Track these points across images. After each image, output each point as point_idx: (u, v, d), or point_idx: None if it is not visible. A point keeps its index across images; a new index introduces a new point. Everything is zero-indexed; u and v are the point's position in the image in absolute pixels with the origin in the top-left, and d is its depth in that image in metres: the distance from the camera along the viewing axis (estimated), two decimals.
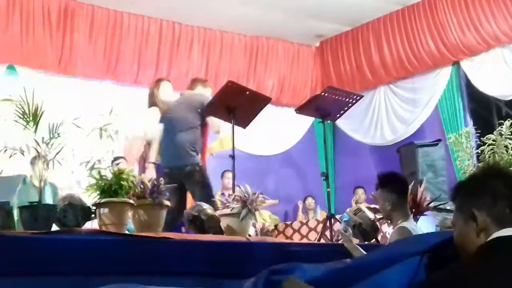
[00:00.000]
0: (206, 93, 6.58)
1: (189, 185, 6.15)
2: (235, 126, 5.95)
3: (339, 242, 3.98)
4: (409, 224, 4.33)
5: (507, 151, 5.71)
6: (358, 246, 4.27)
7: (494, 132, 5.97)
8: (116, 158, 6.86)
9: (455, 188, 2.24)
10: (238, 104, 5.86)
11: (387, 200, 4.48)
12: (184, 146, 6.15)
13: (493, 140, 5.85)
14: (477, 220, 2.06)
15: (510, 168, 4.87)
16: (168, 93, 6.45)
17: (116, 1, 9.65)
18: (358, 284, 2.50)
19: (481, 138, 6.17)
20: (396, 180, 4.54)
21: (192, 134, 6.25)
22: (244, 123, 6.12)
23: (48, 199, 6.49)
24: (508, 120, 5.98)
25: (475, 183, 2.18)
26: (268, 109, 6.55)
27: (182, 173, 6.12)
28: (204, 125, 6.39)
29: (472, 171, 5.26)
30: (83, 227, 3.93)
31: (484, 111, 10.53)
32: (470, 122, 9.83)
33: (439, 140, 9.28)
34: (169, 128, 6.27)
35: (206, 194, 5.96)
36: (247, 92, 6.00)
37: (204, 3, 9.79)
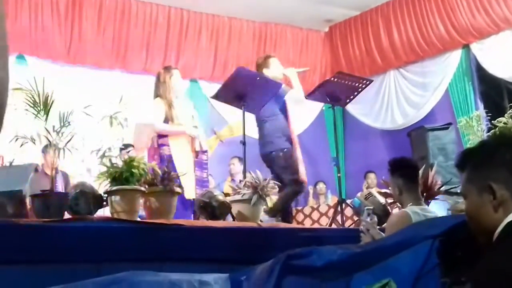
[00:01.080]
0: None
1: (275, 169, 6.34)
2: (246, 113, 5.95)
3: (362, 229, 3.98)
4: (415, 208, 4.32)
5: None
6: (381, 232, 4.28)
7: (505, 115, 5.94)
8: (125, 146, 6.88)
9: (463, 156, 2.11)
10: (249, 91, 5.85)
11: (396, 185, 4.50)
12: (266, 133, 6.45)
13: (504, 123, 5.81)
14: (495, 194, 1.94)
15: None
16: (179, 82, 6.36)
17: None
18: (372, 268, 2.51)
19: (492, 121, 6.13)
20: (404, 166, 4.53)
21: (271, 122, 6.41)
22: (254, 110, 6.12)
23: (60, 187, 6.54)
24: None
25: (488, 153, 2.03)
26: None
27: (268, 159, 6.39)
28: (284, 109, 6.46)
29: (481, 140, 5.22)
30: (95, 215, 3.95)
31: (495, 94, 10.48)
32: (481, 105, 9.80)
33: (450, 124, 9.24)
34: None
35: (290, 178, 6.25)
36: (258, 79, 5.99)
37: None
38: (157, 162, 5.94)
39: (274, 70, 6.60)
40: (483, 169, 2.01)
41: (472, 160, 2.06)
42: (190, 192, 5.58)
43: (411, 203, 4.34)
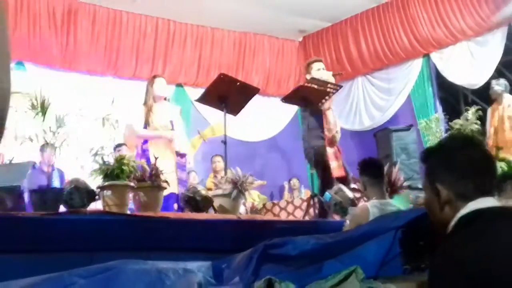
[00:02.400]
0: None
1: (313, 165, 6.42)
2: (227, 114, 5.95)
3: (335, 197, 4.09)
4: (375, 202, 4.35)
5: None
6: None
7: (461, 118, 5.99)
8: (118, 145, 6.86)
9: (425, 154, 2.13)
10: (229, 94, 5.85)
11: (362, 181, 4.56)
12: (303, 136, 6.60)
13: (460, 125, 5.87)
14: (440, 195, 1.97)
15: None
16: (161, 88, 6.37)
17: (116, 1, 9.59)
18: (342, 256, 2.52)
19: (449, 123, 6.19)
20: (368, 165, 4.59)
21: (307, 123, 6.51)
22: (235, 112, 6.11)
23: (56, 183, 6.49)
24: (474, 107, 6.00)
25: (442, 155, 2.05)
26: (256, 99, 6.53)
27: (308, 155, 6.45)
28: (319, 117, 6.47)
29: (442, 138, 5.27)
30: (88, 208, 3.93)
31: (452, 98, 10.58)
32: (440, 108, 9.87)
33: (411, 125, 9.30)
34: None
35: (322, 174, 6.32)
36: (238, 83, 5.99)
37: (196, 2, 9.75)
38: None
39: (314, 75, 6.62)
40: (434, 170, 2.04)
41: (428, 160, 2.08)
42: (173, 188, 5.56)
43: (375, 197, 4.38)
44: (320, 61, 6.89)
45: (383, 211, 4.12)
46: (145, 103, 6.22)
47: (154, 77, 6.48)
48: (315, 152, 6.39)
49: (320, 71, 6.63)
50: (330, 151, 6.41)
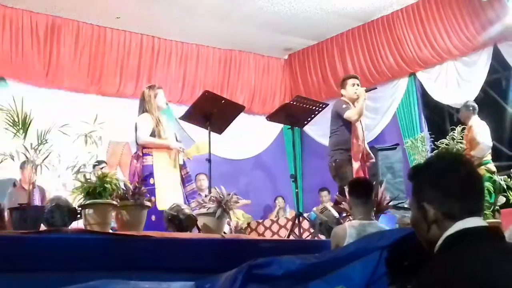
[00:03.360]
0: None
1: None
2: (211, 132, 5.94)
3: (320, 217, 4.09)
4: (354, 223, 4.36)
5: None
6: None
7: (447, 137, 6.04)
8: (99, 162, 6.79)
9: (412, 172, 2.12)
10: (214, 112, 5.85)
11: (348, 201, 4.59)
12: (329, 148, 6.78)
13: (446, 144, 5.91)
14: (426, 214, 1.97)
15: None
16: (163, 100, 6.34)
17: (99, 17, 9.59)
18: (327, 276, 2.51)
19: (435, 143, 6.23)
20: (353, 185, 4.62)
21: (334, 137, 6.71)
22: (219, 130, 6.12)
23: (37, 201, 6.43)
24: (460, 126, 6.05)
25: (428, 173, 2.04)
26: (241, 116, 6.54)
27: (330, 168, 6.65)
28: (346, 124, 6.59)
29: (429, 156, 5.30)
30: (69, 227, 3.90)
31: (438, 118, 10.65)
32: (425, 128, 9.91)
33: (397, 144, 9.34)
34: None
35: (339, 185, 6.40)
36: (223, 101, 5.99)
37: (181, 19, 9.77)
38: (139, 169, 5.94)
39: (349, 90, 6.77)
40: (421, 188, 2.03)
41: (416, 178, 2.08)
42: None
43: (360, 216, 4.38)
44: (356, 77, 7.04)
45: (362, 231, 4.13)
46: (149, 112, 6.12)
47: (153, 87, 6.41)
48: (336, 165, 6.47)
49: (355, 87, 6.71)
50: (355, 165, 6.46)
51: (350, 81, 6.84)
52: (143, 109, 6.22)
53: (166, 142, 6.04)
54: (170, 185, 5.85)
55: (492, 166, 7.92)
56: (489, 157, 8.10)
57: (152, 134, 6.04)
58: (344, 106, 6.65)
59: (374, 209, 4.89)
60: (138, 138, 6.08)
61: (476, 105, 8.56)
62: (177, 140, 6.24)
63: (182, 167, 6.16)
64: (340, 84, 7.04)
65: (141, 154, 6.03)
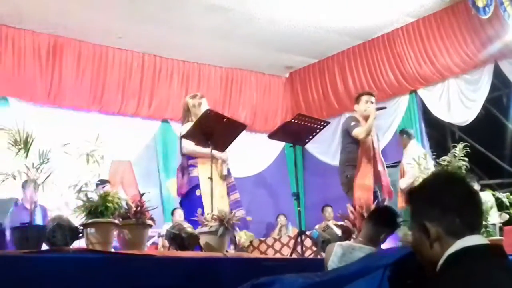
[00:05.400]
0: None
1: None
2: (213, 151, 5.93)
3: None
4: (344, 243, 4.34)
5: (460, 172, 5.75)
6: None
7: (449, 154, 6.02)
8: (102, 181, 6.77)
9: (409, 195, 2.13)
10: (216, 131, 5.83)
11: (360, 221, 4.58)
12: (340, 164, 6.79)
13: (448, 162, 5.89)
14: (429, 232, 1.96)
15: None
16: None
17: (101, 36, 9.64)
18: None
19: (437, 160, 6.21)
20: (380, 213, 4.55)
21: (344, 154, 6.69)
22: (221, 148, 6.10)
23: (38, 220, 6.41)
24: (461, 143, 6.04)
25: (425, 192, 2.06)
26: (242, 135, 6.54)
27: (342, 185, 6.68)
28: (355, 145, 6.58)
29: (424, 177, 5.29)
30: (71, 246, 3.88)
31: (439, 135, 10.65)
32: (427, 145, 9.92)
33: (399, 162, 9.33)
34: None
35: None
36: (225, 120, 5.98)
37: (183, 38, 9.82)
38: (186, 181, 6.02)
39: (361, 106, 6.76)
40: (420, 208, 2.03)
41: (413, 199, 2.08)
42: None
43: (363, 240, 4.35)
44: (371, 94, 7.00)
45: (348, 253, 4.11)
46: (193, 121, 6.05)
47: (196, 96, 6.43)
48: (348, 180, 6.46)
49: (368, 104, 6.72)
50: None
51: (364, 98, 6.82)
52: (187, 118, 6.29)
53: (208, 151, 5.87)
54: (216, 195, 5.79)
55: None
56: None
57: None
58: (353, 123, 6.65)
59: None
60: (182, 147, 6.15)
61: (411, 131, 8.71)
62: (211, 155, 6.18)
63: (227, 176, 6.18)
64: (355, 99, 7.03)
65: (186, 165, 6.08)
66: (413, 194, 2.11)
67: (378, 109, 6.85)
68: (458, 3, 8.95)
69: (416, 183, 2.17)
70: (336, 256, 4.04)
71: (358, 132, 6.56)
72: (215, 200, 5.57)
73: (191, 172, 6.08)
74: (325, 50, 10.97)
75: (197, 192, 5.95)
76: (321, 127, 6.40)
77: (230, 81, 11.36)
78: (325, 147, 11.23)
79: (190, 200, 6.07)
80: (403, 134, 9.17)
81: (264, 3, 8.90)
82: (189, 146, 6.08)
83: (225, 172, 6.16)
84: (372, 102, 6.76)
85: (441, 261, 1.92)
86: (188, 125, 6.13)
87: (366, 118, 6.67)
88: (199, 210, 5.37)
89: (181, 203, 6.41)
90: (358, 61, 10.72)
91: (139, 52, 10.28)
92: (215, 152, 5.89)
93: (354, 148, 6.59)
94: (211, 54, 10.62)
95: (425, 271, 2.04)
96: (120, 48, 10.06)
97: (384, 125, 10.53)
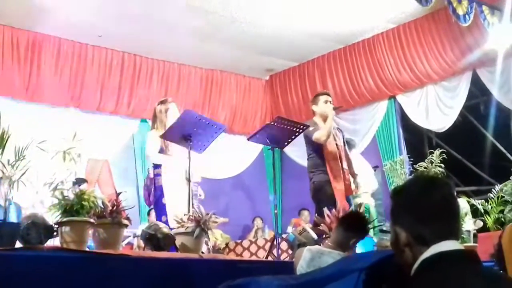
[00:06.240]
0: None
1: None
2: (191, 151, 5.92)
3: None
4: (312, 248, 4.36)
5: None
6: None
7: (426, 160, 6.06)
8: (78, 180, 6.73)
9: (392, 194, 2.13)
10: (195, 131, 5.83)
11: (331, 227, 4.60)
12: (308, 170, 6.70)
13: (425, 168, 5.93)
14: (398, 237, 1.99)
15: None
16: (175, 115, 6.28)
17: (81, 34, 9.57)
18: None
19: (414, 166, 6.26)
20: (350, 219, 4.57)
21: (309, 160, 6.69)
22: (200, 149, 6.09)
23: (13, 218, 6.35)
24: (438, 150, 6.09)
25: (403, 198, 2.06)
26: (221, 136, 6.53)
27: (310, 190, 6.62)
28: (318, 147, 6.55)
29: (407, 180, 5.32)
30: (45, 244, 3.85)
31: (417, 141, 10.73)
32: (404, 151, 9.99)
33: (377, 167, 9.37)
34: None
35: (316, 208, 6.32)
36: (203, 120, 5.98)
37: (164, 38, 9.78)
38: (152, 191, 6.09)
39: (321, 106, 6.73)
40: (395, 212, 2.05)
41: (393, 200, 2.09)
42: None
43: (333, 246, 4.36)
44: (328, 94, 6.99)
45: (317, 257, 4.12)
46: (158, 129, 6.20)
47: (165, 102, 6.47)
48: (314, 186, 6.46)
49: (327, 104, 6.71)
50: (338, 186, 6.46)
51: (322, 98, 6.82)
52: (154, 125, 6.35)
53: (173, 160, 6.10)
54: (180, 202, 5.85)
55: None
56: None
57: (162, 151, 6.14)
58: (311, 128, 6.64)
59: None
60: (146, 156, 6.34)
61: (353, 140, 8.76)
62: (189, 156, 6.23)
63: (190, 182, 6.19)
64: (312, 100, 7.02)
65: (152, 176, 6.14)
66: (394, 195, 2.12)
67: (335, 108, 6.86)
68: (439, 10, 9.01)
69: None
70: (304, 260, 4.04)
71: (319, 135, 6.55)
72: (179, 207, 5.64)
73: (157, 181, 6.14)
74: (305, 54, 11.00)
75: (163, 201, 6.04)
76: (300, 131, 6.42)
77: (210, 82, 11.34)
78: (303, 151, 11.19)
79: (157, 208, 6.16)
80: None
81: (247, 7, 8.90)
82: (152, 155, 6.19)
83: (186, 176, 6.16)
84: (330, 102, 6.77)
85: (416, 265, 1.93)
86: (150, 134, 6.30)
87: (325, 118, 6.66)
88: (164, 218, 5.67)
89: (149, 213, 6.50)
90: (338, 65, 10.76)
91: (119, 51, 10.23)
92: (178, 160, 6.02)
93: (318, 153, 6.58)
94: (192, 54, 10.59)
95: (403, 269, 2.05)
96: (100, 46, 9.99)
97: (363, 130, 10.59)
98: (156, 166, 6.15)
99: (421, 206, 1.98)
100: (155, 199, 6.10)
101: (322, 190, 6.42)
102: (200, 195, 6.41)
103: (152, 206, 6.49)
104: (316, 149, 6.57)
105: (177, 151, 6.10)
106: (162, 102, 6.46)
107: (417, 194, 2.02)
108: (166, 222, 5.40)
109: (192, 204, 5.93)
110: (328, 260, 4.00)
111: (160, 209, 6.06)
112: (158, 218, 5.96)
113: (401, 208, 2.03)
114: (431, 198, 1.99)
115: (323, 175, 6.49)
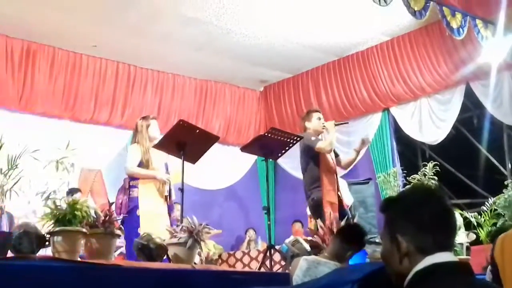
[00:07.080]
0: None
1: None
2: (185, 162, 5.93)
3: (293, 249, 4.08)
4: (309, 258, 4.37)
5: None
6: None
7: (419, 173, 6.09)
8: (72, 189, 6.77)
9: (385, 204, 2.11)
10: (188, 142, 5.84)
11: (329, 237, 4.61)
12: (306, 185, 6.72)
13: (418, 180, 5.95)
14: (399, 245, 1.96)
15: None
16: (156, 130, 6.48)
17: (76, 44, 9.57)
18: None
19: (407, 178, 6.28)
20: (349, 231, 4.59)
21: (308, 174, 6.70)
22: (193, 159, 6.10)
23: (4, 227, 6.32)
24: (431, 162, 6.11)
25: (402, 205, 2.04)
26: (215, 147, 6.54)
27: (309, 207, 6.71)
28: (315, 158, 6.59)
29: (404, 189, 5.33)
30: (37, 254, 3.83)
31: (410, 153, 10.76)
32: (398, 163, 10.00)
33: (370, 179, 9.40)
34: None
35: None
36: (197, 131, 5.99)
37: (158, 48, 9.79)
38: (125, 201, 6.16)
39: (315, 123, 6.77)
40: (395, 221, 2.02)
41: (389, 210, 2.08)
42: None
43: (329, 256, 4.36)
44: (319, 111, 7.14)
45: (313, 267, 4.13)
46: (139, 143, 6.31)
47: (147, 118, 6.60)
48: (313, 203, 6.46)
49: (321, 120, 6.75)
50: (333, 200, 6.48)
51: (316, 115, 6.89)
52: (135, 139, 6.42)
53: (152, 172, 6.24)
54: (156, 215, 5.93)
55: None
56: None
57: (141, 165, 6.21)
58: (313, 138, 6.66)
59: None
60: (125, 168, 6.29)
61: (367, 139, 8.77)
62: (167, 170, 6.30)
63: (168, 197, 6.23)
64: (304, 117, 7.06)
65: (127, 187, 6.21)
66: (390, 204, 2.10)
67: (338, 124, 6.93)
68: (433, 24, 9.05)
69: None
70: (301, 270, 4.05)
71: (323, 145, 6.57)
72: (154, 221, 5.68)
73: (132, 192, 6.21)
74: (300, 66, 11.02)
75: (137, 213, 6.10)
76: (294, 142, 6.43)
77: (204, 93, 11.34)
78: (297, 162, 11.15)
79: (131, 219, 6.14)
80: None
81: (241, 18, 8.92)
82: (131, 167, 6.25)
83: (166, 193, 6.22)
84: (320, 119, 6.84)
85: (409, 276, 1.92)
86: (132, 147, 6.41)
87: (318, 134, 6.73)
88: (139, 229, 5.72)
89: (122, 222, 6.50)
90: (332, 77, 10.79)
91: (114, 61, 10.21)
92: (157, 173, 6.19)
93: (315, 166, 6.60)
94: (186, 65, 10.60)
95: (392, 281, 2.04)
96: (94, 56, 9.98)
97: (356, 142, 10.57)
98: (133, 178, 6.22)
99: (422, 214, 1.96)
100: (128, 209, 6.14)
101: (322, 206, 6.43)
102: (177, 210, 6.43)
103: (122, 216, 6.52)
104: (314, 160, 6.59)
105: (161, 168, 6.20)
106: (144, 118, 6.61)
107: (418, 203, 2.00)
108: (138, 235, 5.40)
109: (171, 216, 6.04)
110: (325, 269, 4.00)
111: (134, 221, 6.08)
112: (130, 231, 5.95)
113: (401, 216, 2.01)
114: (432, 208, 1.98)
115: (319, 190, 6.52)
